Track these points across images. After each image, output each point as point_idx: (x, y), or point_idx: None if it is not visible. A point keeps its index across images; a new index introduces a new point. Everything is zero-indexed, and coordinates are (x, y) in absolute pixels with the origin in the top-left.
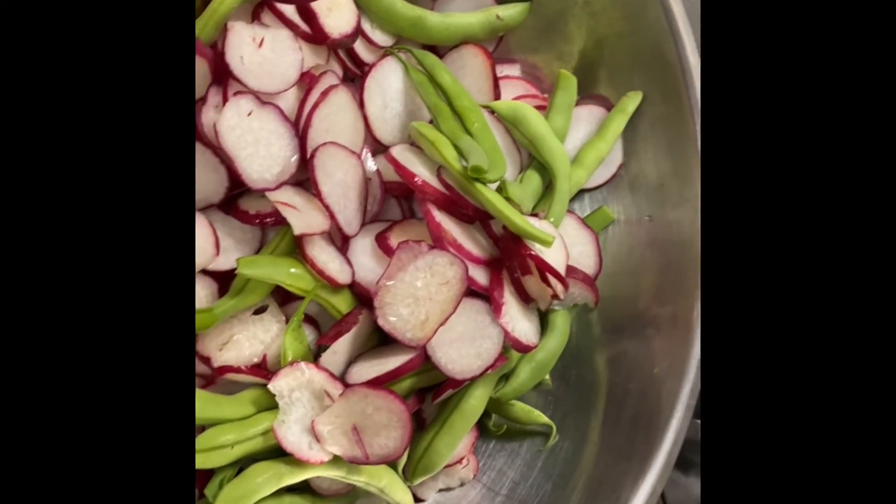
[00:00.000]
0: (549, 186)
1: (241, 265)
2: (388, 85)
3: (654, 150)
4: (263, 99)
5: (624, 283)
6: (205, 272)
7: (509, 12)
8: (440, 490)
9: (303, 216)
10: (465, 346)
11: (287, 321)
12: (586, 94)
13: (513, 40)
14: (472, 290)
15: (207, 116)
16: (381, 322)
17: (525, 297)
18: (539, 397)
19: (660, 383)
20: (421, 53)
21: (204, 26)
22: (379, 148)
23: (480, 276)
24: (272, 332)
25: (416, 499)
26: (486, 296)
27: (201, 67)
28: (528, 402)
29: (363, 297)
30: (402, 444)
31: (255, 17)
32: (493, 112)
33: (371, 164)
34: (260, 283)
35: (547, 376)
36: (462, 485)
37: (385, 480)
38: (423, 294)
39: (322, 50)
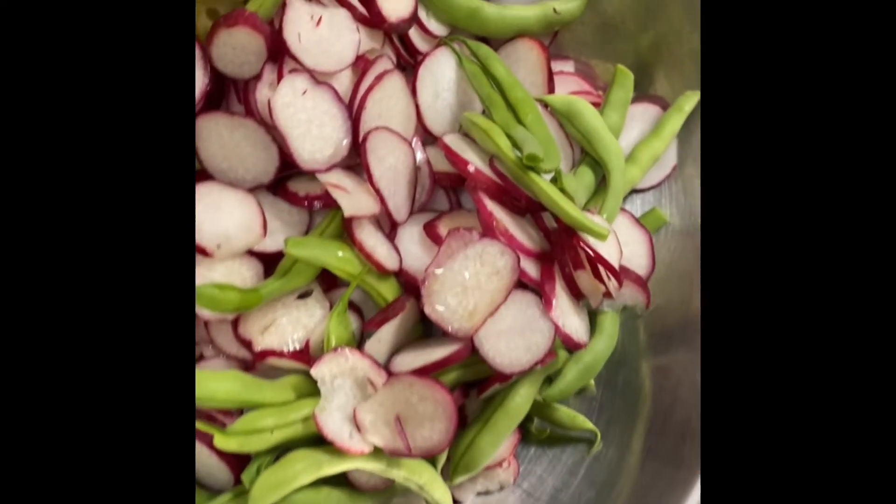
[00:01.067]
0: (601, 183)
1: (289, 245)
2: (440, 74)
3: None
4: (318, 78)
5: (675, 289)
6: (251, 253)
7: (567, 6)
8: (479, 493)
9: (353, 198)
10: (514, 338)
11: (331, 307)
12: (641, 94)
13: (567, 37)
14: (521, 283)
15: (262, 94)
16: (427, 311)
17: (576, 293)
18: (583, 404)
19: None
20: (475, 44)
21: (263, 2)
22: (429, 138)
23: (531, 268)
24: (316, 317)
25: (454, 501)
26: (537, 290)
27: (257, 43)
28: (571, 408)
29: (410, 286)
30: (447, 438)
31: None
32: (546, 106)
33: (420, 154)
34: (306, 266)
35: (591, 382)
36: (501, 489)
37: (425, 477)
38: (471, 283)
39: (377, 34)
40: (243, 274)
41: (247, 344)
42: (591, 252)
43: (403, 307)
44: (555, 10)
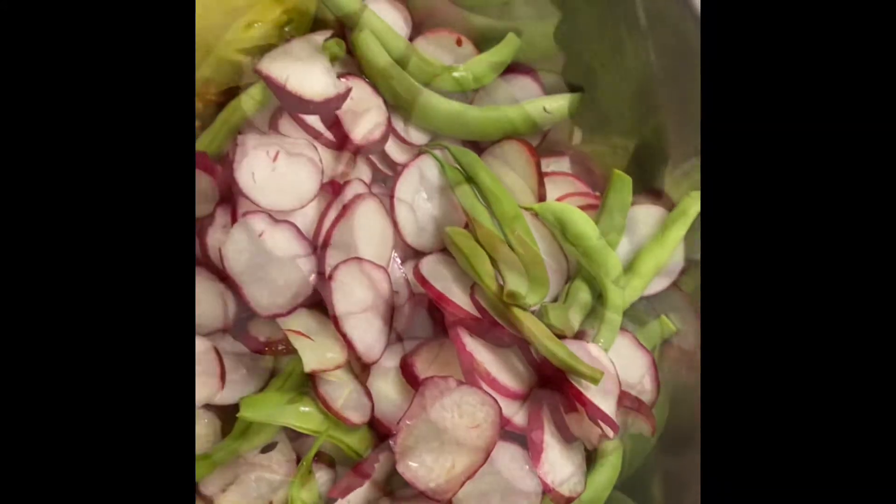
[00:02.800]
0: (600, 296)
1: (243, 406)
2: (422, 185)
3: None
4: (277, 217)
5: (684, 405)
6: (207, 407)
7: (558, 104)
8: None
9: (316, 348)
10: (496, 500)
11: (299, 460)
12: (646, 189)
13: (562, 132)
14: (506, 431)
15: (214, 238)
16: (400, 469)
17: (568, 436)
18: None
19: None
20: (459, 151)
21: (213, 139)
22: (410, 252)
23: (517, 413)
24: (281, 473)
25: None
26: (522, 435)
27: (207, 184)
28: None
29: (383, 434)
30: None
31: (271, 126)
32: (536, 214)
33: (400, 273)
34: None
35: None
36: None
37: None
38: (449, 437)
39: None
40: (198, 434)
41: (207, 501)
42: (583, 399)
43: (371, 471)
44: (545, 108)
